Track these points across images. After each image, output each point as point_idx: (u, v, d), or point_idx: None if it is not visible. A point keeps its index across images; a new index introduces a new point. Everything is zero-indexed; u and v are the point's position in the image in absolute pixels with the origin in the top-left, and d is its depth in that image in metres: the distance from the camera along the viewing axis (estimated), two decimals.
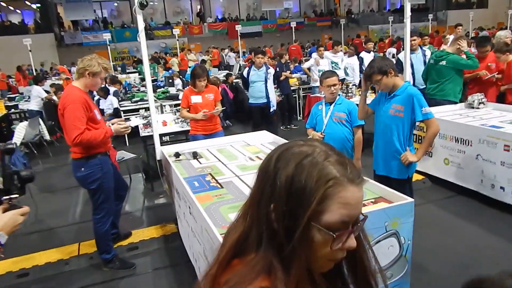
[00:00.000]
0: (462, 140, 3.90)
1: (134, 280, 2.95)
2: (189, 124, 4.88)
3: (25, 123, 6.77)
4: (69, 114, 2.69)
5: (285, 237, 0.71)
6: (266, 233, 0.73)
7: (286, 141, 0.82)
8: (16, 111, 8.75)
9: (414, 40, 5.83)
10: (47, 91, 8.67)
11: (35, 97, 7.93)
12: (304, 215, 0.69)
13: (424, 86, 5.27)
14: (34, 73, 13.76)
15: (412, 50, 5.85)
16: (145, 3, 3.26)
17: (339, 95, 3.23)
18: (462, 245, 3.11)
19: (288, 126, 7.89)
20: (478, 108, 4.61)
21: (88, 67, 2.80)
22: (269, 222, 0.73)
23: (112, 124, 3.00)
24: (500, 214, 3.50)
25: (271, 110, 5.83)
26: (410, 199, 2.04)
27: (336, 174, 0.71)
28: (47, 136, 7.31)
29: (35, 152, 6.82)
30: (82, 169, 2.84)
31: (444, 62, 4.75)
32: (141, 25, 3.39)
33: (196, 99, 4.15)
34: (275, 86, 7.11)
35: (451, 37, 9.54)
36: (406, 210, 2.03)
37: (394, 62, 5.68)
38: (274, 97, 5.91)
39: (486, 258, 2.91)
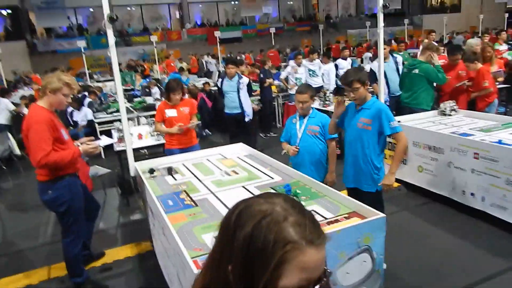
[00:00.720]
0: (435, 148, 3.99)
1: None
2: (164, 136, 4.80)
3: None
4: (33, 135, 2.59)
5: None
6: None
7: (247, 198, 0.79)
8: None
9: (384, 48, 5.94)
10: (16, 104, 8.38)
11: (2, 109, 7.64)
12: (261, 279, 0.67)
13: (400, 93, 5.38)
14: (5, 83, 13.30)
15: (384, 59, 5.96)
16: (115, 18, 3.19)
17: (312, 108, 3.25)
18: (435, 252, 3.17)
19: (268, 134, 7.91)
20: (450, 115, 4.74)
21: (48, 84, 2.71)
22: (227, 282, 0.70)
23: (81, 143, 2.90)
24: (471, 219, 3.60)
25: (246, 119, 5.82)
26: (381, 215, 2.06)
27: (294, 237, 0.69)
28: (17, 151, 7.04)
29: (5, 168, 6.56)
30: (49, 192, 2.73)
31: (417, 71, 4.86)
32: (111, 39, 3.31)
33: (171, 112, 4.09)
34: (258, 92, 7.12)
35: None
36: (378, 225, 2.05)
37: (368, 71, 5.82)
38: (248, 106, 5.90)
39: (458, 264, 2.99)
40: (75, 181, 2.86)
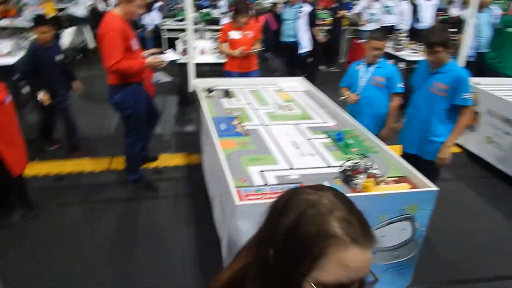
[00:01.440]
0: (511, 122, 3.60)
1: (155, 202, 3.18)
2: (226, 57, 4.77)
3: (72, 29, 6.85)
4: (107, 42, 2.71)
5: (281, 284, 0.70)
6: (264, 275, 0.73)
7: (297, 187, 0.77)
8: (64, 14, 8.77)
9: None
10: None
11: (81, 3, 7.90)
12: (298, 269, 0.67)
13: (488, 51, 4.76)
14: None
15: (479, 8, 5.14)
16: None
17: (381, 57, 2.99)
18: (482, 231, 3.03)
19: (330, 68, 7.55)
20: None
21: None
22: (267, 265, 0.72)
23: (149, 54, 2.98)
24: None
25: (301, 51, 5.55)
26: (434, 187, 1.97)
27: (338, 232, 0.66)
28: (91, 44, 7.42)
29: (79, 58, 6.99)
30: (117, 95, 2.93)
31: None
32: None
33: (235, 35, 4.02)
34: (327, 22, 6.65)
35: None
36: (427, 197, 1.97)
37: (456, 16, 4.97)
38: (305, 39, 5.57)
39: (504, 251, 2.83)
40: (140, 89, 3.03)
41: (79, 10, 7.90)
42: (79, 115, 4.73)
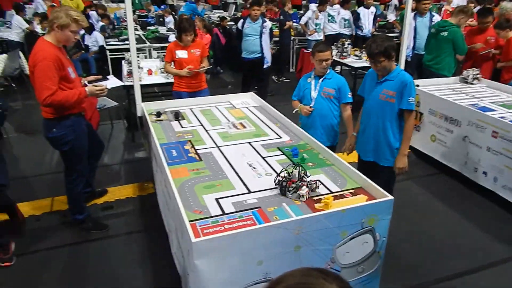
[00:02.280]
0: (452, 119, 3.81)
1: (105, 243, 2.92)
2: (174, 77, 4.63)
3: (4, 55, 6.34)
4: (39, 73, 2.46)
5: None
6: None
7: (291, 272, 0.68)
8: None
9: (428, 3, 5.42)
10: (29, 21, 8.04)
11: (15, 27, 7.38)
12: None
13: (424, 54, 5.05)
14: None
15: (420, 13, 5.48)
16: None
17: (329, 68, 3.03)
18: (438, 229, 3.13)
19: (280, 79, 7.63)
20: (472, 83, 4.48)
21: (55, 20, 2.52)
22: None
23: (88, 82, 2.77)
24: (479, 199, 3.53)
25: (265, 66, 5.55)
26: (390, 197, 1.98)
27: None
28: (27, 70, 6.90)
29: (15, 87, 6.48)
30: (54, 130, 2.67)
31: (445, 33, 4.52)
32: None
33: (181, 54, 3.88)
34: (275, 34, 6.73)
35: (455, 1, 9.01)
36: (385, 207, 1.97)
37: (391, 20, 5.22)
38: (269, 52, 5.59)
39: (460, 246, 2.94)
40: (79, 121, 2.79)
41: (13, 34, 7.37)
42: (15, 151, 4.36)
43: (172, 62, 3.99)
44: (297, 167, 2.10)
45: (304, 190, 2.01)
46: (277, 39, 7.43)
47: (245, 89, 5.49)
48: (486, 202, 3.47)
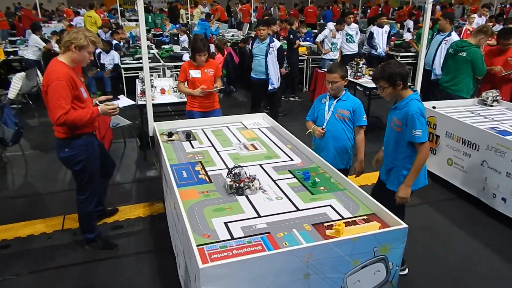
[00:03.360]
0: (470, 143, 3.71)
1: (115, 262, 2.91)
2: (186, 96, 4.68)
3: (22, 73, 6.55)
4: (53, 92, 2.51)
5: None
6: None
7: None
8: (16, 57, 8.43)
9: (440, 21, 5.39)
10: (46, 39, 8.32)
11: (32, 46, 7.62)
12: None
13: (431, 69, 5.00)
14: (39, 12, 13.18)
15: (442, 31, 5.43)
16: None
17: (345, 90, 3.00)
18: (454, 256, 3.03)
19: (291, 98, 7.63)
20: (491, 105, 4.38)
21: (74, 40, 2.58)
22: None
23: (100, 102, 2.82)
24: (497, 225, 3.40)
25: (270, 88, 5.48)
26: (404, 225, 1.91)
27: None
28: None
29: (32, 104, 6.66)
30: (66, 149, 2.70)
31: (464, 54, 4.43)
32: None
33: (195, 73, 3.92)
34: (286, 54, 6.68)
35: (476, 17, 8.95)
36: (399, 236, 1.91)
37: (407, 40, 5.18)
38: (274, 75, 5.46)
39: (477, 274, 2.83)
40: (91, 141, 2.82)
41: (29, 52, 7.61)
42: (30, 168, 4.43)
43: (186, 82, 4.03)
44: (237, 168, 2.34)
45: (256, 183, 2.30)
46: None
47: (254, 110, 5.45)
48: (504, 229, 3.34)
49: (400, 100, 2.57)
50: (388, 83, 2.48)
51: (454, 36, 5.57)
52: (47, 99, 2.58)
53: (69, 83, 2.55)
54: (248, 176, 2.31)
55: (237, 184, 2.27)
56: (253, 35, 9.30)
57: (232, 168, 2.36)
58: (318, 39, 7.49)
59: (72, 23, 11.63)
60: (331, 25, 7.43)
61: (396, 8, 17.48)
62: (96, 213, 3.15)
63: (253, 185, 2.29)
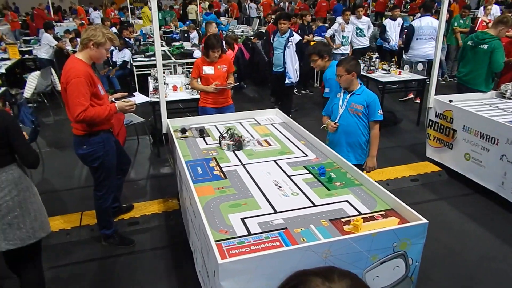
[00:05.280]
0: (488, 137, 3.63)
1: (132, 258, 2.95)
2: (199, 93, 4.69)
3: (37, 72, 6.65)
4: (72, 89, 2.54)
5: None
6: None
7: (306, 270, 0.65)
8: (30, 57, 8.56)
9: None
10: (59, 38, 8.42)
11: (44, 45, 7.72)
12: None
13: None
14: (51, 11, 13.34)
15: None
16: None
17: (361, 84, 2.97)
18: (471, 252, 2.98)
19: (302, 91, 7.59)
20: (510, 98, 4.27)
21: (93, 37, 2.61)
22: None
23: (116, 99, 2.84)
24: None
25: (287, 81, 5.52)
26: (424, 220, 1.88)
27: None
28: (59, 87, 7.20)
29: (47, 103, 6.75)
30: (84, 146, 2.74)
31: (485, 46, 4.29)
32: None
33: (208, 70, 3.93)
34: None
35: (494, 9, 8.72)
36: (418, 231, 1.88)
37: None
38: (292, 68, 5.51)
39: (495, 271, 2.77)
40: (109, 137, 2.85)
41: (42, 52, 7.71)
42: (46, 165, 4.50)
43: (199, 78, 4.04)
44: (230, 130, 2.91)
45: (255, 140, 2.89)
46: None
47: (276, 104, 5.49)
48: None
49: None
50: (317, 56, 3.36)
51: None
52: (66, 96, 2.61)
53: (87, 80, 2.58)
54: (239, 135, 2.86)
55: (238, 140, 2.76)
56: (263, 31, 9.27)
57: (224, 133, 2.89)
58: (327, 34, 7.43)
59: (83, 21, 11.74)
60: (340, 19, 7.36)
61: (409, 0, 17.12)
62: (112, 209, 3.19)
63: (245, 141, 2.85)
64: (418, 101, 6.27)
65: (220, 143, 2.90)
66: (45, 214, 2.33)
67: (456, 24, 7.82)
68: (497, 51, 4.22)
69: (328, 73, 3.49)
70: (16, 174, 2.17)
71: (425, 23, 6.23)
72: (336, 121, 2.99)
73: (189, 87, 4.91)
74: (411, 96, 6.88)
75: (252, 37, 8.83)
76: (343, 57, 5.27)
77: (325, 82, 3.58)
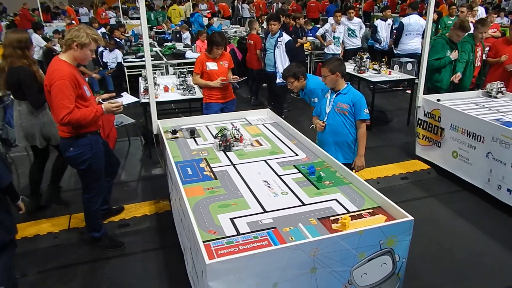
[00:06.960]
0: (474, 135, 3.69)
1: (122, 260, 2.93)
2: (191, 92, 4.71)
3: None
4: (56, 92, 2.49)
5: None
6: None
7: None
8: None
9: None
10: (48, 38, 8.34)
11: (35, 44, 7.63)
12: None
13: None
14: (40, 11, 13.19)
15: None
16: None
17: (347, 83, 3.00)
18: (460, 248, 3.02)
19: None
20: (496, 97, 4.34)
21: (76, 38, 2.57)
22: None
23: (103, 100, 2.82)
24: (503, 217, 3.39)
25: (278, 81, 5.57)
26: (410, 217, 1.91)
27: None
28: None
29: None
30: (71, 148, 2.71)
31: None
32: None
33: (212, 66, 4.05)
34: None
35: (480, 10, 8.83)
36: (404, 228, 1.91)
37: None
38: (282, 68, 5.57)
39: (483, 267, 2.82)
40: (96, 139, 2.82)
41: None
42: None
43: (201, 74, 4.12)
44: (224, 130, 2.87)
45: (248, 141, 2.90)
46: None
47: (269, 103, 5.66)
48: (510, 220, 3.34)
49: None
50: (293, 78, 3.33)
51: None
52: (51, 99, 2.57)
53: (72, 82, 2.54)
54: (233, 136, 2.87)
55: (224, 143, 2.82)
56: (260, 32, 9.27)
57: (218, 133, 2.91)
58: (318, 33, 7.49)
59: (74, 21, 11.63)
60: (331, 19, 7.42)
61: (400, 2, 17.27)
62: (101, 211, 3.16)
63: (238, 142, 2.90)
64: (409, 91, 6.35)
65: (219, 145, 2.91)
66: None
67: (444, 25, 7.91)
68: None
69: (309, 85, 3.45)
70: None
71: (413, 20, 6.77)
72: (323, 120, 3.01)
73: (181, 88, 4.89)
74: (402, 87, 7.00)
75: (246, 38, 8.83)
76: None
77: (310, 96, 3.47)
